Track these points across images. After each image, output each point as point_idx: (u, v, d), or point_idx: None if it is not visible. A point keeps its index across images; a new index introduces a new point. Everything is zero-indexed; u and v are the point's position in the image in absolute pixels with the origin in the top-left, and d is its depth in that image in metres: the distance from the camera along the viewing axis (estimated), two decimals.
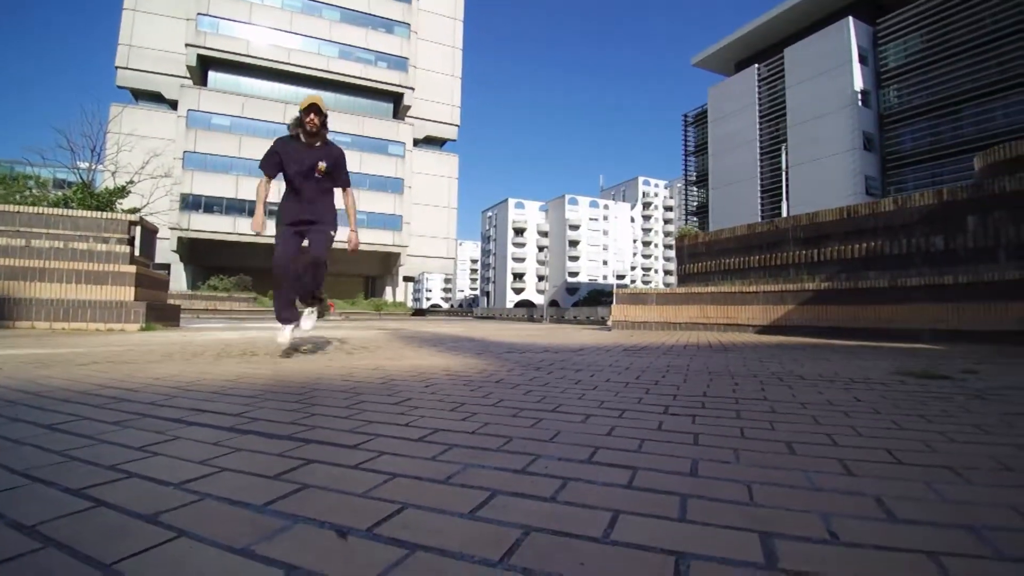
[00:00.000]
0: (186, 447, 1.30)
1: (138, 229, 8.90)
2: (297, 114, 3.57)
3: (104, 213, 8.80)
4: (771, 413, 1.80)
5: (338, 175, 3.77)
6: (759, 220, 35.10)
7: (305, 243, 3.69)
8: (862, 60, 33.12)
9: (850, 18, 33.00)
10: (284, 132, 3.71)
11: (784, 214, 29.02)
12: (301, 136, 3.61)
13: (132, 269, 7.93)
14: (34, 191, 19.06)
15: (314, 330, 4.25)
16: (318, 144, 3.65)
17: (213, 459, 1.19)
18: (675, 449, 1.32)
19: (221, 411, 1.74)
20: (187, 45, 36.88)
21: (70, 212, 8.48)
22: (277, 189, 3.78)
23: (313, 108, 3.51)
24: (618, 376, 2.75)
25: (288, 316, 3.65)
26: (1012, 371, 3.08)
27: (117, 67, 38.66)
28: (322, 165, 3.61)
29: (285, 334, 3.58)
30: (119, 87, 39.38)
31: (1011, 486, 1.08)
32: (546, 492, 1.00)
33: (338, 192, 3.90)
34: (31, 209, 8.33)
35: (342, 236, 3.97)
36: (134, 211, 17.33)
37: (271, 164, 3.61)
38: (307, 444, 1.33)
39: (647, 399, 2.06)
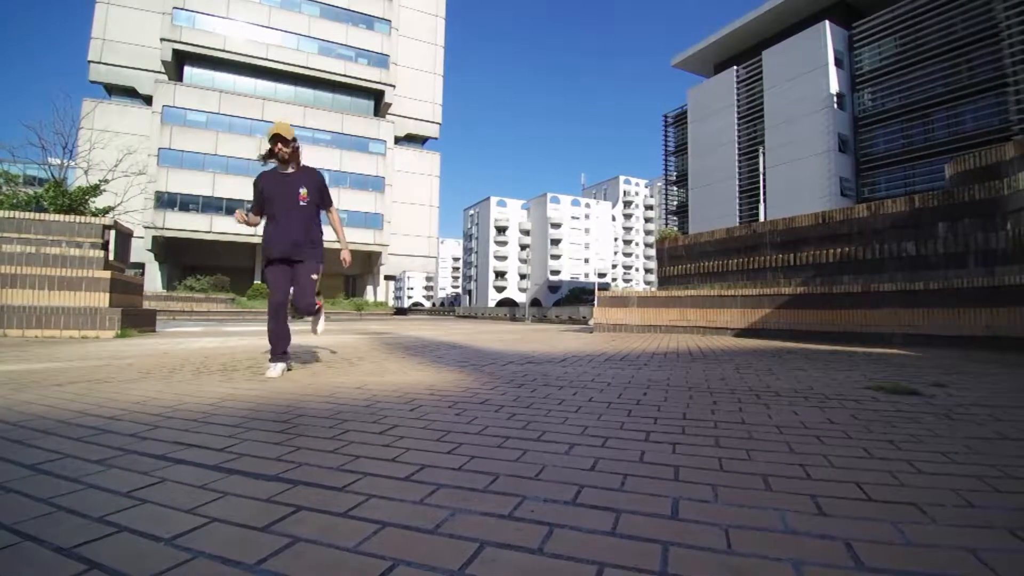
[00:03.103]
0: (173, 491, 1.30)
1: (112, 232, 8.74)
2: (267, 145, 3.52)
3: (77, 217, 8.63)
4: (748, 440, 1.85)
5: (322, 199, 3.69)
6: (737, 220, 35.66)
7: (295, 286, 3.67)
8: (838, 63, 33.76)
9: (826, 22, 33.61)
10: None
11: (762, 215, 29.48)
12: (276, 165, 3.58)
13: (107, 274, 7.79)
14: (3, 188, 18.57)
15: (324, 333, 4.67)
16: (291, 170, 3.58)
17: (201, 506, 1.20)
18: (657, 486, 1.36)
19: (205, 444, 1.74)
20: (162, 39, 36.15)
21: (42, 216, 8.29)
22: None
23: (278, 138, 3.43)
24: (600, 395, 2.79)
25: (280, 352, 3.59)
26: (979, 384, 3.20)
27: (90, 61, 37.75)
28: (303, 191, 3.54)
29: (276, 370, 3.51)
30: (92, 82, 38.45)
31: (971, 526, 1.14)
32: (533, 542, 1.03)
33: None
34: (2, 213, 8.12)
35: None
36: (108, 210, 16.99)
37: (257, 204, 3.59)
38: (295, 486, 1.35)
39: (629, 423, 2.10)
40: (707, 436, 1.91)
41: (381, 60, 42.92)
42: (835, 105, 33.31)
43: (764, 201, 30.91)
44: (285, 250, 3.53)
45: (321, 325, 4.02)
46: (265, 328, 3.77)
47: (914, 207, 7.29)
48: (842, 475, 1.47)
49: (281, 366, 3.56)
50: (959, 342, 6.23)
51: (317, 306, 3.75)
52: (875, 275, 7.34)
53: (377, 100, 44.20)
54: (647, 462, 1.58)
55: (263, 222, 3.64)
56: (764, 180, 32.37)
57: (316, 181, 3.64)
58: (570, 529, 1.10)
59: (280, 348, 3.58)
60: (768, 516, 1.18)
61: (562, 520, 1.15)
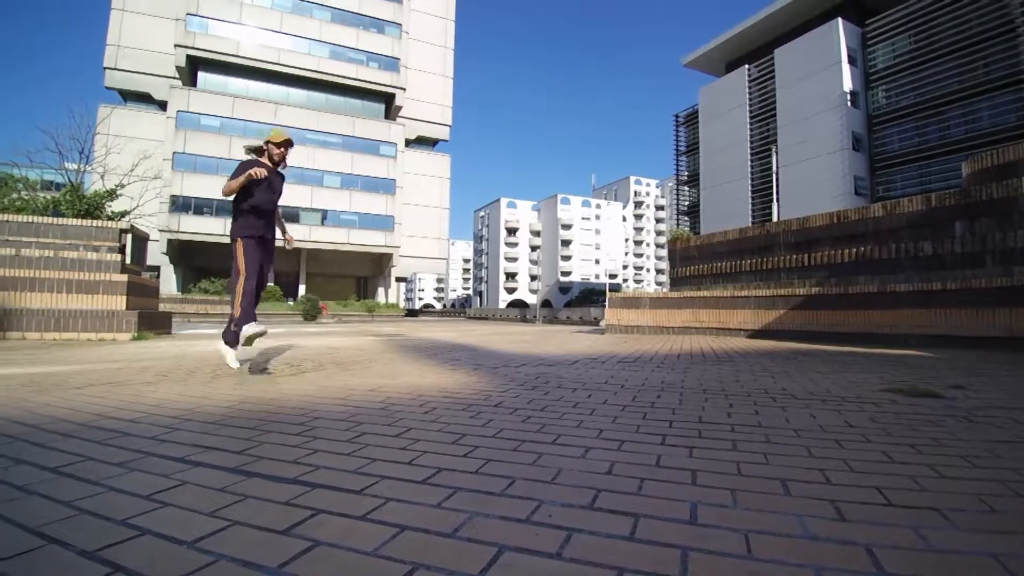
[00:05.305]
0: (194, 494, 1.32)
1: (129, 236, 8.86)
2: (261, 144, 3.96)
3: (95, 221, 8.75)
4: (766, 443, 1.84)
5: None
6: (750, 220, 35.40)
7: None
8: (851, 61, 33.41)
9: (839, 20, 33.27)
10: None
11: (775, 215, 29.23)
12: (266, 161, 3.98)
13: (123, 278, 7.90)
14: (23, 194, 18.91)
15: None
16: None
17: (221, 509, 1.21)
18: (674, 490, 1.36)
19: (223, 447, 1.76)
20: (176, 45, 36.63)
21: (60, 220, 8.42)
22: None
23: (289, 144, 3.97)
24: (614, 397, 2.79)
25: (253, 314, 3.80)
26: (998, 386, 3.15)
27: (105, 68, 38.35)
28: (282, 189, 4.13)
29: (256, 326, 3.69)
30: (107, 88, 39.05)
31: (994, 531, 1.12)
32: (551, 546, 1.03)
33: None
34: (21, 218, 8.26)
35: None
36: (124, 214, 17.22)
37: (247, 185, 3.79)
38: (313, 489, 1.36)
39: (644, 426, 2.09)
40: (724, 440, 1.89)
41: (392, 63, 43.17)
42: (848, 103, 32.96)
43: (777, 201, 30.64)
44: (267, 231, 3.96)
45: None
46: (264, 330, 3.78)
47: (930, 206, 7.19)
48: (862, 480, 1.45)
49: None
50: (977, 343, 6.14)
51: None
52: (891, 275, 7.25)
53: (388, 103, 44.45)
54: (664, 466, 1.58)
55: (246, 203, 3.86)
56: (777, 179, 32.08)
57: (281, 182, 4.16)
58: (588, 534, 1.10)
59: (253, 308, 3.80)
60: (788, 521, 1.17)
61: (580, 524, 1.14)
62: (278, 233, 4.25)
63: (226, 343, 3.92)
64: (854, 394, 2.87)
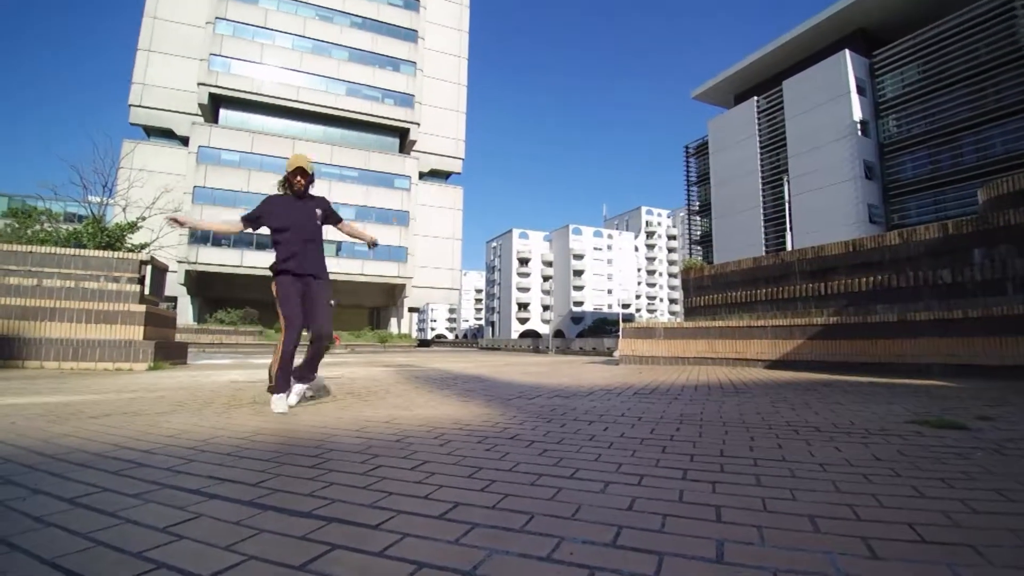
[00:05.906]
0: (209, 527, 1.30)
1: (148, 268, 9.00)
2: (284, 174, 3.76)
3: (115, 252, 8.93)
4: (791, 478, 1.79)
5: (332, 217, 3.91)
6: (763, 249, 35.23)
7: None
8: (860, 91, 33.60)
9: (847, 51, 33.61)
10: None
11: (788, 244, 29.06)
12: (289, 192, 3.77)
13: (142, 308, 8.00)
14: (46, 225, 19.44)
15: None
16: (305, 198, 3.80)
17: (237, 543, 1.20)
18: (699, 527, 1.32)
19: (239, 479, 1.75)
20: (199, 84, 37.89)
21: (81, 252, 8.60)
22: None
23: (300, 172, 3.68)
24: (632, 430, 2.74)
25: (288, 382, 3.51)
26: None
27: (130, 105, 39.68)
28: (319, 212, 3.77)
29: (283, 402, 3.37)
30: (132, 124, 40.35)
31: None
32: None
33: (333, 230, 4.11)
34: (43, 249, 8.45)
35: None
36: (144, 246, 17.59)
37: (254, 221, 3.71)
38: (329, 523, 1.33)
39: (664, 460, 2.05)
40: (747, 474, 1.84)
41: (406, 100, 44.26)
42: (859, 132, 33.03)
43: (790, 230, 30.52)
44: (302, 267, 3.64)
45: (297, 397, 3.67)
46: (286, 410, 3.36)
47: (948, 233, 7.13)
48: (893, 515, 1.40)
49: (285, 396, 3.45)
50: (1001, 372, 6.00)
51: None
52: (910, 304, 7.14)
53: (402, 138, 45.43)
54: (686, 502, 1.54)
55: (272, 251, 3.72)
56: (789, 208, 32.03)
57: (323, 203, 3.85)
58: (611, 572, 1.06)
59: (286, 381, 3.50)
60: (818, 559, 1.13)
61: (603, 563, 1.11)
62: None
63: (273, 391, 3.50)
64: (878, 426, 2.80)
